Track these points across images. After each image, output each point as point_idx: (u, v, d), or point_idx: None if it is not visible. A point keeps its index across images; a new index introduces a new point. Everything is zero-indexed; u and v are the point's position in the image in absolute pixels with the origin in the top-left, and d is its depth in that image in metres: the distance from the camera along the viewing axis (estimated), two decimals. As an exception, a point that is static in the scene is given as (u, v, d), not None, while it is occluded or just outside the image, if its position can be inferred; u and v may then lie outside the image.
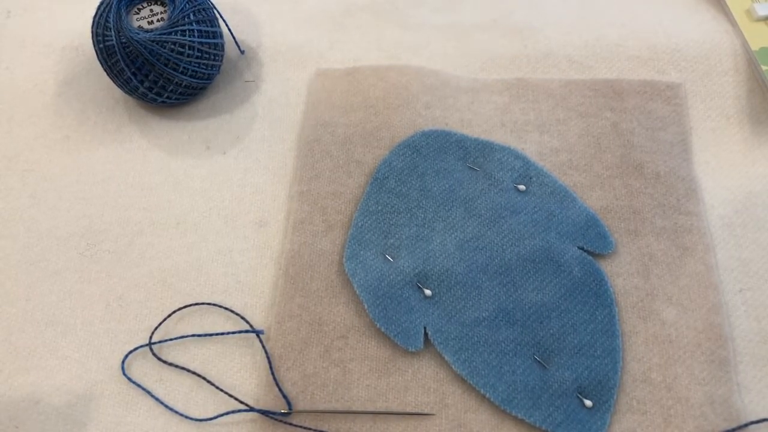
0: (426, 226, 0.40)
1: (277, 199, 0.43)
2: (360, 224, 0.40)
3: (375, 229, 0.40)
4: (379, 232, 0.40)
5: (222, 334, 0.38)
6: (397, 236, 0.40)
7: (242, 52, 0.50)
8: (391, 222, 0.41)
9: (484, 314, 0.38)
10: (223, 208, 0.43)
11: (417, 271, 0.39)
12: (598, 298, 0.37)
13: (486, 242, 0.40)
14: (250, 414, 0.36)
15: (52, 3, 0.54)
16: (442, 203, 0.41)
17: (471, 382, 0.35)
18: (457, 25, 0.50)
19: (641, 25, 0.48)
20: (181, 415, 0.36)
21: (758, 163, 0.42)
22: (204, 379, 0.37)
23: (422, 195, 0.41)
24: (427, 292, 0.38)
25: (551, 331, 0.37)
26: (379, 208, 0.41)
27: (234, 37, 0.50)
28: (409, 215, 0.41)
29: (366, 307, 0.38)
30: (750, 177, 0.41)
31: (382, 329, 0.37)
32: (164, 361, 0.38)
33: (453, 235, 0.40)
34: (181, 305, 0.40)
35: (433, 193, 0.41)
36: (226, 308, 0.39)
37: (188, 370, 0.37)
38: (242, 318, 0.39)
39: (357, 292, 0.38)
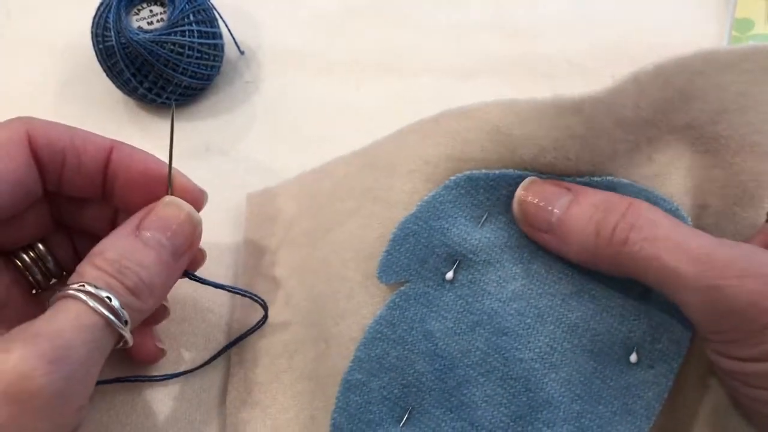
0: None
1: (277, 201, 0.43)
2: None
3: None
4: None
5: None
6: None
7: (242, 52, 0.50)
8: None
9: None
10: (223, 210, 0.43)
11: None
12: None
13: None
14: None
15: (52, 3, 0.54)
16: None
17: None
18: (458, 26, 0.50)
19: (641, 25, 0.48)
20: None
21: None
22: None
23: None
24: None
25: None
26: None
27: (234, 38, 0.49)
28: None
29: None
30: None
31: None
32: None
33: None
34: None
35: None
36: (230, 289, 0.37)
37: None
38: (252, 296, 0.37)
39: None
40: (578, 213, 0.31)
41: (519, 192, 0.33)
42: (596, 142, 0.32)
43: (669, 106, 0.31)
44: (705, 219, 0.32)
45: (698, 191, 0.32)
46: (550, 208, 0.31)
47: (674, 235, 0.28)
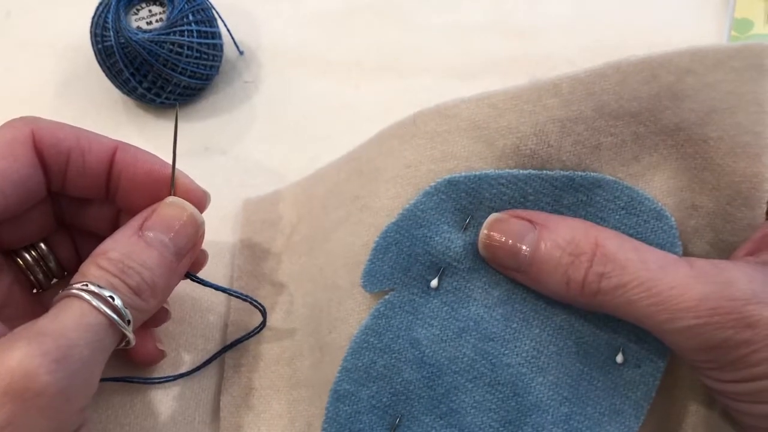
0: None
1: (276, 200, 0.43)
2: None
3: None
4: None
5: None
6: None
7: (241, 52, 0.50)
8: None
9: None
10: (222, 209, 0.43)
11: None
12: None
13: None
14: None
15: (52, 3, 0.54)
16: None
17: None
18: (458, 26, 0.50)
19: (641, 25, 0.48)
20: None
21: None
22: None
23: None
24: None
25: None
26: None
27: (233, 38, 0.49)
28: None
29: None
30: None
31: None
32: None
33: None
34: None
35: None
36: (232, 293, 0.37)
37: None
38: (252, 301, 0.37)
39: None
40: (545, 255, 0.30)
41: (483, 233, 0.32)
42: (575, 128, 0.31)
43: (657, 104, 0.30)
44: (698, 219, 0.31)
45: (686, 193, 0.31)
46: (518, 244, 0.31)
47: (644, 277, 0.28)
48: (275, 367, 0.37)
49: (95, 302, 0.27)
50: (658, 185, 0.32)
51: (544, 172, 0.32)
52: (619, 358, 0.31)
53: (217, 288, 0.35)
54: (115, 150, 0.32)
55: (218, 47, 0.47)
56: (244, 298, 0.36)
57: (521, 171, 0.32)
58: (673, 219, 0.31)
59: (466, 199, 0.32)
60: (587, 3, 0.51)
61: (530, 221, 0.31)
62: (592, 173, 0.32)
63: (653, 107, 0.30)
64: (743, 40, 0.46)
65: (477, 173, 0.32)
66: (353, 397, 0.32)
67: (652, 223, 0.31)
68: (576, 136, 0.31)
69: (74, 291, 0.27)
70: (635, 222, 0.31)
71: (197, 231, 0.33)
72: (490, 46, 0.49)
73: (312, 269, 0.37)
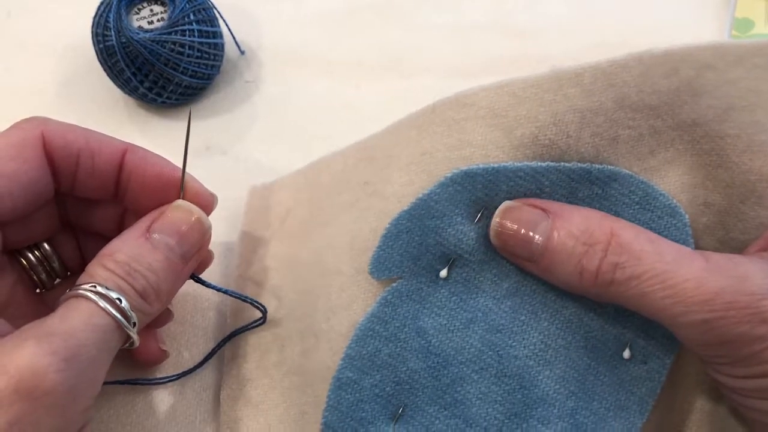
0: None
1: (277, 200, 0.43)
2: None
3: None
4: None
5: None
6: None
7: (242, 52, 0.50)
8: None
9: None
10: (223, 209, 0.43)
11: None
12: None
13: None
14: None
15: (53, 3, 0.54)
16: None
17: None
18: (459, 26, 0.51)
19: (641, 25, 0.48)
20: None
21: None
22: None
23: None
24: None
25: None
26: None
27: (234, 38, 0.50)
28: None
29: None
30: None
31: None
32: None
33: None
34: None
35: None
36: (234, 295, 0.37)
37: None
38: (253, 302, 0.37)
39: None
40: (558, 245, 0.29)
41: (495, 221, 0.31)
42: (594, 119, 0.31)
43: (676, 99, 0.30)
44: (709, 217, 0.31)
45: (699, 190, 0.31)
46: (531, 234, 0.30)
47: (659, 269, 0.28)
48: (269, 356, 0.36)
49: (102, 303, 0.27)
50: (672, 181, 0.31)
51: (562, 164, 0.31)
52: (626, 354, 0.31)
53: (219, 290, 0.35)
54: (125, 152, 0.32)
55: (219, 47, 0.47)
56: (245, 299, 0.36)
57: (539, 163, 0.31)
58: (686, 216, 0.31)
59: (482, 191, 0.32)
60: (587, 3, 0.51)
61: (543, 210, 0.30)
62: (608, 166, 0.31)
63: (672, 101, 0.30)
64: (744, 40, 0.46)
65: (495, 166, 0.31)
66: (356, 386, 0.32)
67: (665, 220, 0.31)
68: (595, 128, 0.31)
69: (82, 291, 0.27)
70: (649, 218, 0.31)
71: (204, 235, 0.33)
72: (490, 45, 0.49)
73: (307, 254, 0.37)
